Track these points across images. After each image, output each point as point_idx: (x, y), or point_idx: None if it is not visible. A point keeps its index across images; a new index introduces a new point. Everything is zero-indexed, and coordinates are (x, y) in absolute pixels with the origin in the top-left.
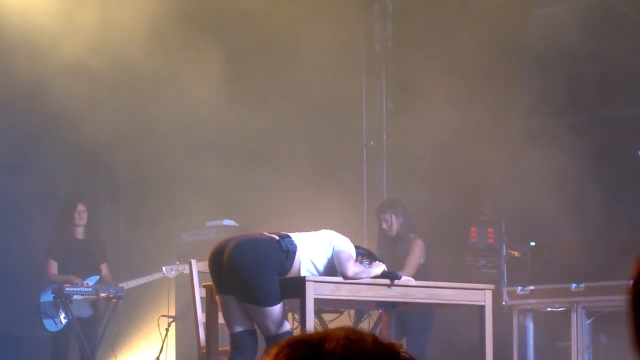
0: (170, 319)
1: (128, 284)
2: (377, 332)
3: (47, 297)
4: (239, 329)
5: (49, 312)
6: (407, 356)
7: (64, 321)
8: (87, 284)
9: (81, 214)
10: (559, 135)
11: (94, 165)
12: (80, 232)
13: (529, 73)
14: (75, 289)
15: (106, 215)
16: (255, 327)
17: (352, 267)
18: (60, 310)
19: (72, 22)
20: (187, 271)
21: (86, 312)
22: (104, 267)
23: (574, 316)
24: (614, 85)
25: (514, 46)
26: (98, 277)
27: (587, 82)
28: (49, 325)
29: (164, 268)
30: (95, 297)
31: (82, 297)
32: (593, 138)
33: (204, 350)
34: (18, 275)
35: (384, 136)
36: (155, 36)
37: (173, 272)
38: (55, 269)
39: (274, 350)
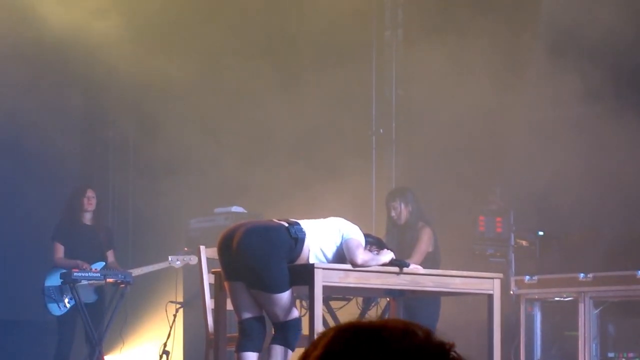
0: (178, 305)
1: (135, 272)
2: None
3: (53, 281)
4: (247, 315)
5: (53, 296)
6: (456, 356)
7: (68, 305)
8: (95, 269)
9: (90, 200)
10: (569, 125)
11: (103, 152)
12: (88, 218)
13: (543, 61)
14: (83, 274)
15: (115, 201)
16: (264, 313)
17: (361, 255)
18: (65, 295)
19: None
20: (192, 262)
21: (91, 297)
22: (110, 254)
23: (581, 306)
24: (627, 76)
25: (528, 33)
26: (104, 263)
27: (604, 72)
28: (53, 309)
29: (170, 258)
30: (102, 282)
31: (87, 282)
32: (603, 128)
33: (212, 337)
34: (25, 259)
35: (394, 124)
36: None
37: (179, 262)
38: (62, 252)
39: (330, 333)
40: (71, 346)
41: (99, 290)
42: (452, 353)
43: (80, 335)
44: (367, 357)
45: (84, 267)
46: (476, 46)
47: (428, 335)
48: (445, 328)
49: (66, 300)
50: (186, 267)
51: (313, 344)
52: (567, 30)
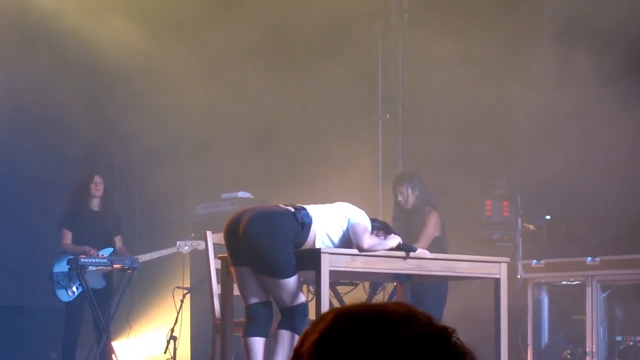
0: (185, 291)
1: (142, 257)
2: None
3: (61, 267)
4: (254, 300)
5: (62, 282)
6: (458, 342)
7: (76, 291)
8: (102, 255)
9: (97, 186)
10: (576, 109)
11: (109, 138)
12: (95, 204)
13: (550, 44)
14: (90, 260)
15: (121, 188)
16: (271, 298)
17: (368, 240)
18: (73, 281)
19: None
20: (200, 247)
21: (99, 283)
22: (117, 240)
23: (589, 290)
24: (634, 60)
25: (534, 17)
26: (112, 249)
27: (611, 54)
28: (62, 295)
29: (178, 243)
30: (109, 268)
31: (96, 268)
32: (610, 112)
33: (219, 322)
34: (33, 246)
35: (400, 109)
36: None
37: (187, 247)
38: (70, 239)
39: (328, 317)
40: (79, 332)
41: (107, 276)
42: (454, 339)
43: (89, 321)
44: (367, 344)
45: (91, 253)
46: (482, 31)
47: (429, 320)
48: (452, 312)
49: (74, 287)
50: (193, 253)
51: (311, 327)
52: (573, 15)
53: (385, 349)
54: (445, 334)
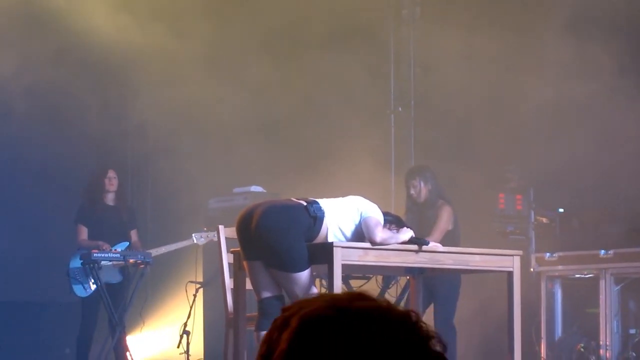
0: (198, 285)
1: (157, 251)
2: (404, 299)
3: (77, 262)
4: (266, 294)
5: (78, 277)
6: (424, 326)
7: (93, 287)
8: (115, 249)
9: (112, 180)
10: (588, 102)
11: (121, 133)
12: (110, 199)
13: (561, 34)
14: (102, 255)
15: (133, 182)
16: (283, 292)
17: (380, 233)
18: (90, 276)
19: None
20: (216, 239)
21: (116, 278)
22: (133, 234)
23: (602, 283)
24: None
25: (544, 9)
26: (128, 243)
27: (624, 45)
28: (78, 290)
29: (193, 235)
30: (122, 263)
31: (110, 263)
32: (621, 104)
33: (231, 316)
34: (48, 240)
35: (412, 102)
36: None
37: (203, 239)
38: (85, 234)
39: (293, 323)
40: (95, 327)
41: (123, 270)
42: (418, 323)
43: (104, 315)
44: (336, 352)
45: (104, 248)
46: (493, 23)
47: (389, 303)
48: (465, 306)
49: (91, 282)
50: (206, 248)
51: (275, 332)
52: (585, 4)
53: (356, 351)
54: (407, 318)
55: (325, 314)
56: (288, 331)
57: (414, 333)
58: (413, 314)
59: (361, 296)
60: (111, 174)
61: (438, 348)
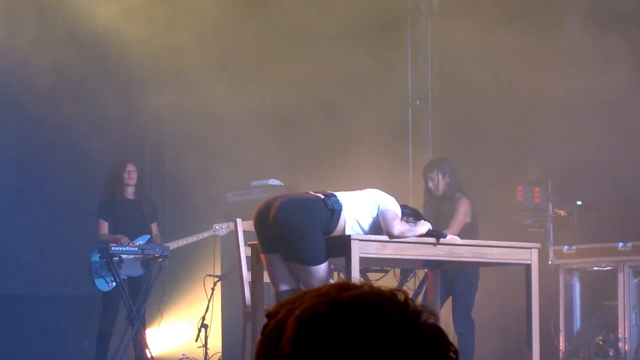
0: (216, 279)
1: (179, 243)
2: (422, 291)
3: (98, 256)
4: (284, 287)
5: (100, 271)
6: (412, 302)
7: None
8: (133, 243)
9: (131, 174)
10: (606, 95)
11: (139, 128)
12: (130, 192)
13: (582, 27)
14: (120, 249)
15: (152, 177)
16: (301, 285)
17: (398, 226)
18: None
19: None
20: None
21: (137, 271)
22: (154, 227)
23: (620, 275)
24: None
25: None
26: (148, 236)
27: None
28: (100, 284)
29: (215, 226)
30: (141, 256)
31: (131, 256)
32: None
33: (249, 309)
34: (68, 234)
35: (430, 96)
36: None
37: (224, 229)
38: (106, 228)
39: (290, 325)
40: (115, 320)
41: (145, 264)
42: (405, 299)
43: (122, 309)
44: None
45: (123, 241)
46: (511, 16)
47: (377, 291)
48: (483, 299)
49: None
50: (224, 241)
51: (273, 339)
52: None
53: (359, 339)
54: (395, 297)
55: (320, 310)
56: (288, 334)
57: (406, 310)
58: (400, 293)
59: (345, 286)
60: (130, 167)
61: (431, 321)
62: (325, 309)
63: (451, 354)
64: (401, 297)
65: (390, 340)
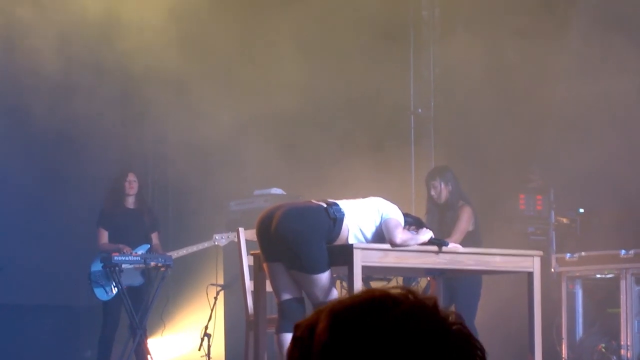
0: (219, 288)
1: (179, 252)
2: None
3: (98, 266)
4: (286, 296)
5: (100, 281)
6: (443, 311)
7: (114, 290)
8: (136, 252)
9: (132, 184)
10: (608, 102)
11: (141, 136)
12: (131, 202)
13: (584, 33)
14: (123, 258)
15: (154, 186)
16: (303, 294)
17: (400, 235)
18: (111, 279)
19: None
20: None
21: (137, 280)
22: (154, 236)
23: (623, 283)
24: None
25: (567, 6)
26: (149, 245)
27: None
28: (100, 294)
29: (215, 236)
30: (143, 266)
31: (132, 266)
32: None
33: (252, 319)
34: (69, 244)
35: (432, 103)
36: None
37: (224, 240)
38: (106, 238)
39: (323, 318)
40: (116, 330)
41: (145, 273)
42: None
43: (125, 318)
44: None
45: (125, 251)
46: (513, 24)
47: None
48: (486, 306)
49: (113, 285)
50: (226, 250)
51: (307, 332)
52: (607, 2)
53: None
54: (433, 304)
55: (350, 304)
56: (322, 325)
57: (435, 310)
58: (430, 299)
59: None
60: (131, 177)
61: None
62: (355, 302)
63: (478, 352)
64: (430, 301)
65: (420, 334)
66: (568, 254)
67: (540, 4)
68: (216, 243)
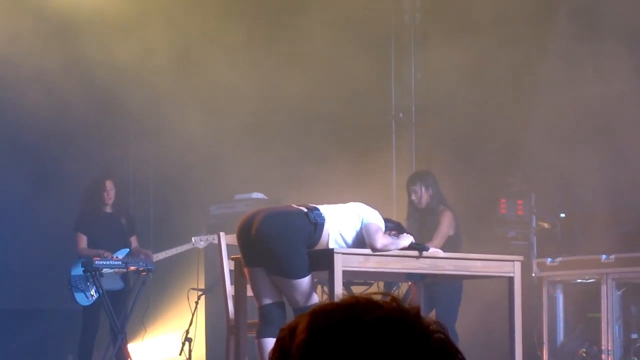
0: (200, 292)
1: (158, 256)
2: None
3: (78, 270)
4: (267, 301)
5: (80, 286)
6: (424, 319)
7: (95, 295)
8: (117, 257)
9: (109, 193)
10: (590, 106)
11: (124, 139)
12: (109, 206)
13: (566, 39)
14: (104, 263)
15: (136, 190)
16: (284, 299)
17: (381, 239)
18: (92, 284)
19: None
20: (216, 241)
21: (117, 285)
22: (133, 240)
23: (604, 287)
24: None
25: (550, 11)
26: (128, 249)
27: (630, 49)
28: (81, 298)
29: (193, 239)
30: (125, 270)
31: (112, 270)
32: (624, 109)
33: (233, 323)
34: (49, 248)
35: (413, 108)
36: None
37: (202, 242)
38: (85, 242)
39: (304, 319)
40: (96, 334)
41: (125, 277)
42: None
43: (105, 323)
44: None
45: (106, 256)
46: (495, 28)
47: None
48: (467, 311)
49: (93, 290)
50: (207, 254)
51: (287, 334)
52: (591, 7)
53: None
54: (415, 312)
55: (329, 307)
56: (301, 327)
57: (416, 318)
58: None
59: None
60: (109, 185)
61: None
62: (337, 307)
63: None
64: (412, 310)
65: (400, 341)
66: (549, 259)
67: (522, 11)
68: (194, 245)
